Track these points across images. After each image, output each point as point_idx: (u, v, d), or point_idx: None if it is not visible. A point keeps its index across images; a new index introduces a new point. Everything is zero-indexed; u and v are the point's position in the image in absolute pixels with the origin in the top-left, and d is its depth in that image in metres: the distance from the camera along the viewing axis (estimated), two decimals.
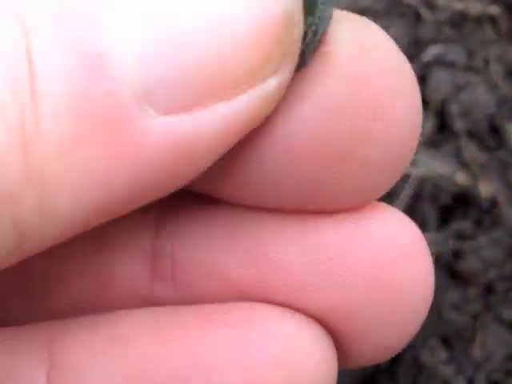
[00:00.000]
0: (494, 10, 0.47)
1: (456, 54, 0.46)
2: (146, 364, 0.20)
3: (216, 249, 0.21)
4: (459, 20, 0.47)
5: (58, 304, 0.22)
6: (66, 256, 0.22)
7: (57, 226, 0.17)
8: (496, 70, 0.46)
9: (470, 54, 0.46)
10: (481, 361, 0.41)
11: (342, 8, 0.20)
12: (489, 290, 0.42)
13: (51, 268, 0.22)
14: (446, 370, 0.41)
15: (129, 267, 0.22)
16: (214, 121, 0.17)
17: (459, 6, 0.47)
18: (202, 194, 0.21)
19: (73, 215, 0.17)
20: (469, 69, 0.46)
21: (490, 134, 0.45)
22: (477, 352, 0.41)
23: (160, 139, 0.16)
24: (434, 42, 0.47)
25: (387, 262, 0.20)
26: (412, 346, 0.42)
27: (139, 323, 0.20)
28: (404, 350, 0.41)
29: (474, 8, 0.47)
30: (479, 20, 0.47)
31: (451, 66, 0.46)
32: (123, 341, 0.20)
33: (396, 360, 0.42)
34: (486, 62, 0.46)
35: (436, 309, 0.42)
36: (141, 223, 0.22)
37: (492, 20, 0.47)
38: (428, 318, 0.42)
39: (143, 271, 0.22)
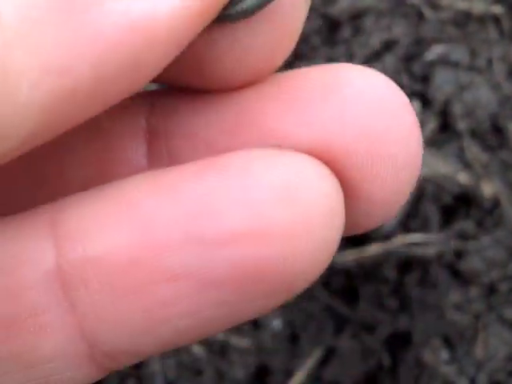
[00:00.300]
0: (498, 9, 0.47)
1: (459, 53, 0.46)
2: (151, 216, 0.20)
3: (204, 122, 0.21)
4: (462, 20, 0.47)
5: (60, 193, 0.22)
6: (65, 145, 0.22)
7: (23, 117, 0.17)
8: (499, 69, 0.46)
9: (473, 54, 0.46)
10: (483, 361, 0.41)
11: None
12: (491, 290, 0.42)
13: (51, 156, 0.22)
14: (448, 370, 0.41)
15: (127, 152, 0.22)
16: (173, 2, 0.17)
17: (462, 6, 0.47)
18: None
19: (37, 104, 0.17)
20: (472, 68, 0.46)
21: (492, 134, 0.45)
22: (479, 352, 0.41)
23: (119, 20, 0.17)
24: (437, 41, 0.47)
25: (368, 109, 0.20)
26: (414, 346, 0.42)
27: (140, 184, 0.21)
28: (406, 349, 0.42)
29: (478, 8, 0.47)
30: (482, 20, 0.47)
31: (454, 65, 0.46)
32: (126, 201, 0.20)
33: (398, 360, 0.42)
34: (489, 61, 0.46)
35: (438, 309, 0.42)
36: (134, 108, 0.22)
37: (495, 20, 0.47)
38: (430, 317, 0.42)
39: (141, 155, 0.22)
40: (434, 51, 0.46)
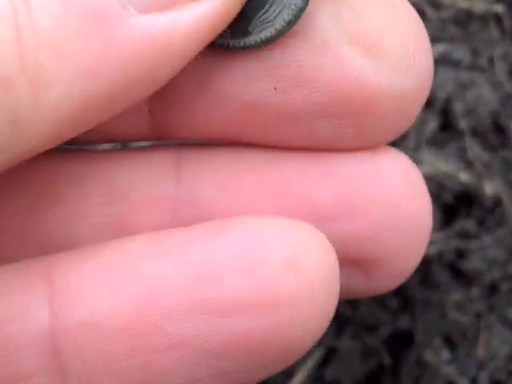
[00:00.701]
0: (499, 8, 0.47)
1: (460, 52, 0.46)
2: (153, 280, 0.19)
3: (240, 191, 0.21)
4: (464, 18, 0.47)
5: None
6: (79, 206, 0.22)
7: (49, 118, 0.18)
8: (500, 68, 0.46)
9: (475, 53, 0.46)
10: (484, 360, 0.41)
11: None
12: (492, 289, 0.42)
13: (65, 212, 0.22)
14: (450, 370, 0.41)
15: (150, 217, 0.22)
16: (187, 19, 0.19)
17: (464, 5, 0.47)
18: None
19: (65, 107, 0.18)
20: (473, 67, 0.46)
21: (494, 133, 0.44)
22: (480, 352, 0.41)
23: (141, 34, 0.18)
24: (438, 40, 0.46)
25: (403, 194, 0.22)
26: (415, 346, 0.42)
27: (142, 245, 0.20)
28: (407, 349, 0.41)
29: (479, 6, 0.47)
30: (484, 18, 0.47)
31: (455, 64, 0.46)
32: (127, 262, 0.20)
33: (399, 359, 0.42)
34: (491, 60, 0.46)
35: (439, 308, 0.42)
36: (160, 171, 0.22)
37: (497, 18, 0.47)
38: (431, 317, 0.42)
39: (165, 219, 0.22)
40: (436, 50, 0.46)
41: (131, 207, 0.22)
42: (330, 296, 0.20)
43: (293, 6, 0.20)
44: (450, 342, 0.41)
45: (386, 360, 0.42)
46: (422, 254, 0.23)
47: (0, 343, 0.19)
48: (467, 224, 0.43)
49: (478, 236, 0.42)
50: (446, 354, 0.41)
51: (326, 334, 0.44)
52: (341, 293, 0.21)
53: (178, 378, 0.19)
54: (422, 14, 0.47)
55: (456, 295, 0.42)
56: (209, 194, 0.21)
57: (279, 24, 0.20)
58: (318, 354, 0.42)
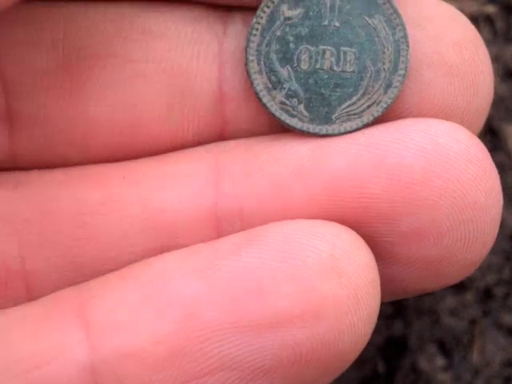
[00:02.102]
0: (490, 9, 0.47)
1: None
2: (191, 301, 0.18)
3: (289, 195, 0.20)
4: None
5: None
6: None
7: None
8: (493, 70, 0.45)
9: None
10: (479, 367, 0.40)
11: None
12: (487, 294, 0.42)
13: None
14: (444, 377, 0.41)
15: (192, 239, 0.20)
16: None
17: (455, 6, 0.47)
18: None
19: None
20: None
21: (487, 136, 0.44)
22: (475, 358, 0.41)
23: None
24: None
25: (468, 179, 0.20)
26: (409, 353, 0.41)
27: (174, 264, 0.19)
28: (401, 356, 0.41)
29: (470, 7, 0.47)
30: (475, 20, 0.46)
31: None
32: (161, 284, 0.19)
33: (393, 366, 0.42)
34: None
35: (433, 314, 0.41)
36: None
37: (488, 20, 0.47)
38: (425, 323, 0.41)
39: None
40: None
41: (171, 231, 0.20)
42: (373, 298, 0.19)
43: (383, 104, 0.21)
44: (444, 349, 0.41)
45: (381, 367, 0.42)
46: (494, 239, 0.21)
47: (41, 383, 0.18)
48: None
49: None
50: (440, 361, 0.41)
51: None
52: (412, 291, 0.21)
53: None
54: None
55: (450, 301, 0.41)
56: (253, 203, 0.20)
57: (367, 118, 0.21)
58: None
